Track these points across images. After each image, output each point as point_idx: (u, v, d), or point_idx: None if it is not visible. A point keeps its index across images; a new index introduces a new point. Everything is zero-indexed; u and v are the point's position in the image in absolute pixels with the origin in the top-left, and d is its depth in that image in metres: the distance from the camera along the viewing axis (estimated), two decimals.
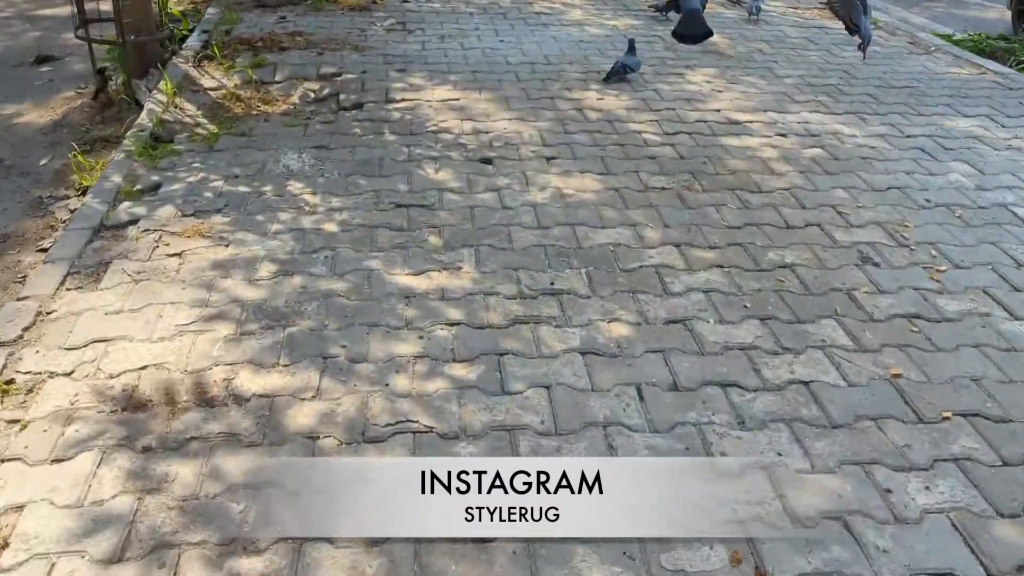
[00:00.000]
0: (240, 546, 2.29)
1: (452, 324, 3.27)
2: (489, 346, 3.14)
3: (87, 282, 3.54)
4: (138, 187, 4.33)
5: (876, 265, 3.68)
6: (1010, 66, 6.28)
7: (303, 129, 5.05)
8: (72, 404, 2.83)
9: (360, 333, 3.21)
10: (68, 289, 3.49)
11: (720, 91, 5.70)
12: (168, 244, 3.83)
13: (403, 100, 5.49)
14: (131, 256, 3.72)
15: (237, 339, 3.17)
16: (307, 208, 4.14)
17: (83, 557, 2.27)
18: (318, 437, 2.70)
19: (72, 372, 2.98)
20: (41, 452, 2.63)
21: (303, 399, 2.87)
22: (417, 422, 2.77)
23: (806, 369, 3.03)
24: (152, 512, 2.41)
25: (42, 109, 5.96)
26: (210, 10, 7.72)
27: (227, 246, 3.80)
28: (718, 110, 5.37)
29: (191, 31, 6.96)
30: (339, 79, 5.87)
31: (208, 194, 4.27)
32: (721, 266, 3.67)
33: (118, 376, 2.96)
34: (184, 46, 6.65)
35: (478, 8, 7.64)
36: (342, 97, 5.54)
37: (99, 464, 2.58)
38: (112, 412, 2.80)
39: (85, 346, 3.12)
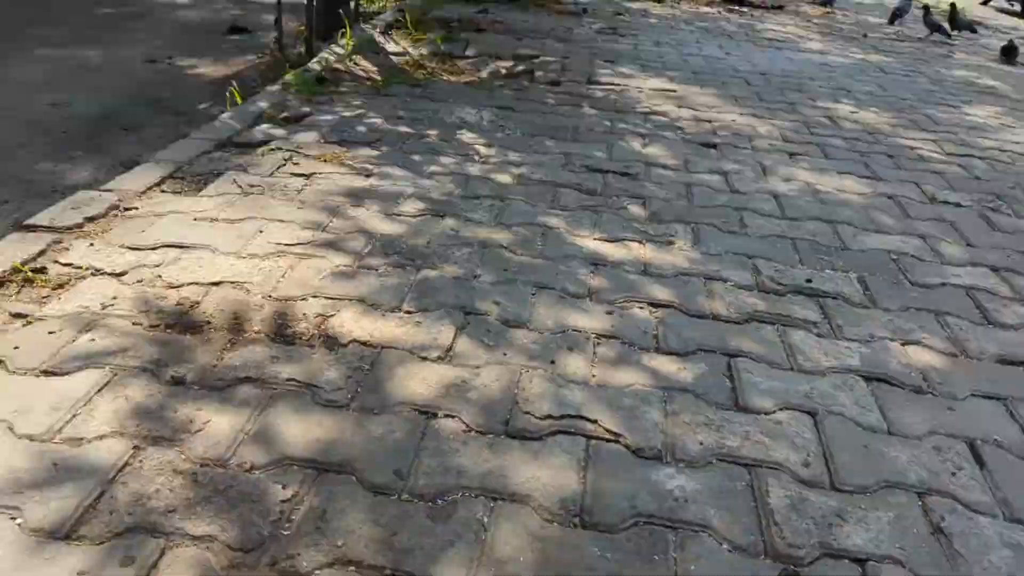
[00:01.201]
0: (267, 559, 1.28)
1: (656, 305, 2.18)
2: (712, 341, 2.02)
3: (188, 187, 2.74)
4: (284, 114, 3.57)
5: None
6: None
7: (488, 93, 4.19)
8: (103, 308, 1.96)
9: (523, 293, 2.19)
10: (163, 191, 2.70)
11: (1012, 126, 4.39)
12: (298, 164, 2.99)
13: (609, 84, 4.55)
14: (250, 169, 2.91)
15: (351, 272, 2.23)
16: (477, 157, 3.21)
17: (13, 519, 1.33)
18: (436, 414, 1.67)
19: (123, 273, 2.13)
20: (32, 358, 1.75)
21: (424, 358, 1.86)
22: (595, 422, 1.68)
23: None
24: (147, 473, 1.45)
25: (219, 65, 5.45)
26: None
27: (368, 176, 2.92)
28: (1017, 141, 4.07)
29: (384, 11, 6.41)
30: (536, 60, 5.02)
31: (361, 128, 3.45)
32: None
33: (179, 287, 2.08)
34: (376, 19, 6.08)
35: (699, 28, 6.69)
36: (538, 74, 4.67)
37: (101, 389, 1.67)
38: (152, 327, 1.90)
39: (153, 248, 2.27)
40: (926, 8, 7.40)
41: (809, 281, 2.38)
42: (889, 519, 1.49)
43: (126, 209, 2.53)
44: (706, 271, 2.40)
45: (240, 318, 1.97)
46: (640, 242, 2.57)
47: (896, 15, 7.67)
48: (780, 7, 8.22)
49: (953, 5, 7.33)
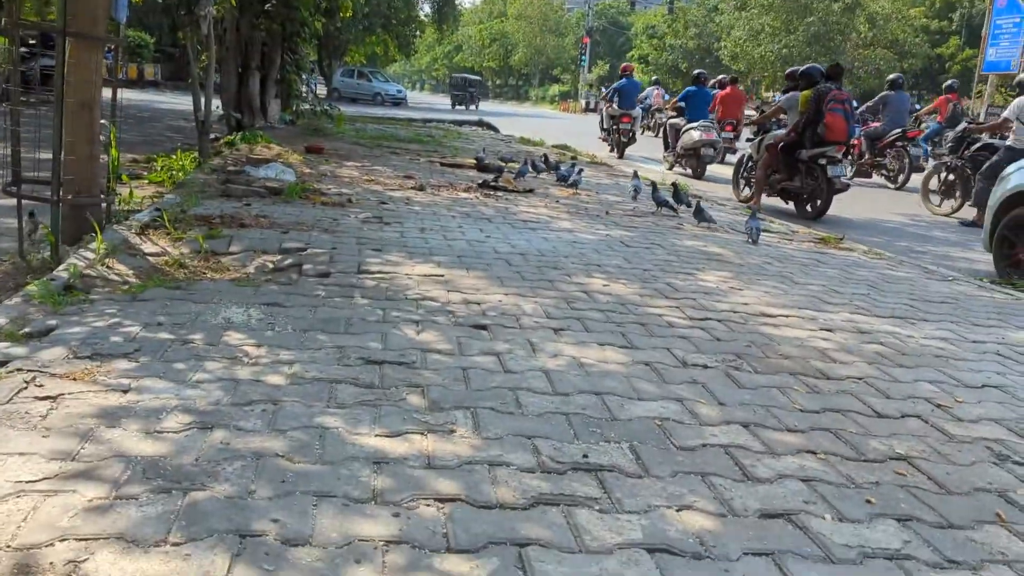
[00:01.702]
0: None
1: (444, 500, 2.15)
2: (502, 533, 2.02)
3: None
4: (25, 330, 3.27)
5: (1020, 464, 2.71)
6: None
7: (254, 289, 4.12)
8: None
9: (303, 505, 2.08)
10: None
11: (740, 289, 4.99)
12: (42, 386, 2.73)
13: (378, 272, 4.66)
14: None
15: (107, 505, 2.01)
16: (246, 359, 3.11)
17: None
18: None
19: None
20: None
21: None
22: None
23: None
24: None
25: None
26: (168, 196, 7.06)
27: (125, 392, 2.72)
28: (745, 303, 4.62)
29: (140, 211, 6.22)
30: (304, 252, 5.05)
31: (116, 339, 3.23)
32: (813, 451, 2.66)
33: None
34: (132, 218, 5.86)
35: (460, 213, 7.11)
36: (306, 267, 4.68)
37: None
38: None
39: None
40: (653, 185, 8.47)
41: (586, 456, 2.48)
42: None
43: None
44: (489, 457, 2.42)
45: None
46: (422, 433, 2.56)
47: (636, 192, 8.79)
48: (531, 190, 8.97)
49: (675, 184, 8.46)
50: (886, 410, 3.11)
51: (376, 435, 2.52)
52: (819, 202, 9.44)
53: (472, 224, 6.57)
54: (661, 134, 16.20)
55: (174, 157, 9.29)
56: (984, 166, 9.71)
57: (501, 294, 4.36)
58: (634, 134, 16.51)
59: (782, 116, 10.47)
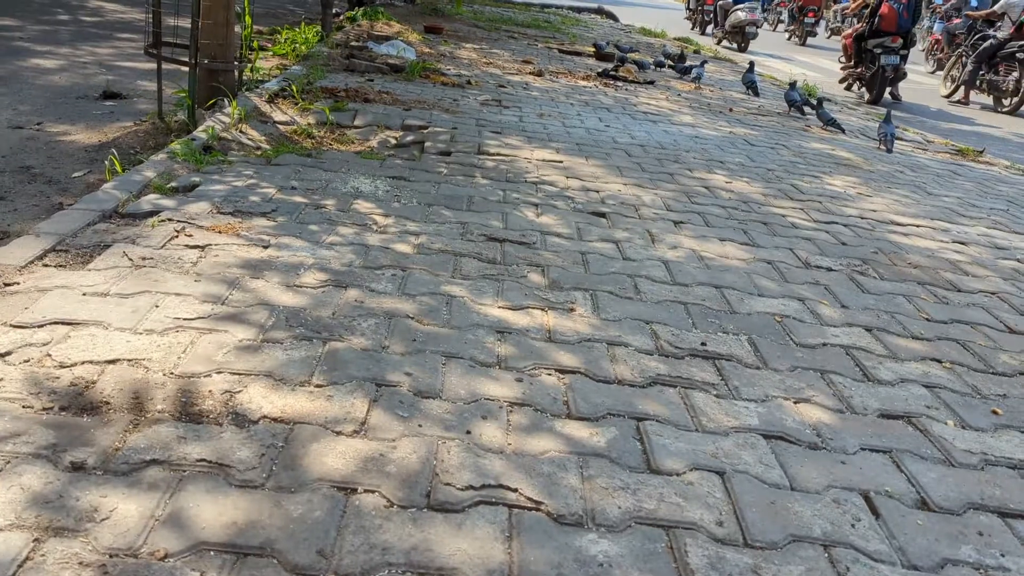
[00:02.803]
0: None
1: (564, 371, 2.23)
2: (620, 406, 2.09)
3: (73, 261, 2.61)
4: (172, 184, 3.47)
5: None
6: None
7: (380, 162, 4.23)
8: None
9: (433, 362, 2.19)
10: (45, 265, 2.56)
11: (869, 196, 4.80)
12: (191, 236, 2.91)
13: (498, 154, 4.68)
14: (139, 241, 2.81)
15: (256, 346, 2.17)
16: (375, 227, 3.22)
17: None
18: (355, 490, 1.64)
19: (8, 353, 2.00)
20: None
21: (339, 433, 1.83)
22: (516, 491, 1.69)
23: None
24: (51, 567, 1.36)
25: (93, 132, 5.25)
26: (294, 67, 7.19)
27: (266, 248, 2.88)
28: (874, 210, 4.44)
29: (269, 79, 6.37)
30: (426, 131, 5.10)
31: (255, 198, 3.40)
32: (938, 360, 2.61)
33: (72, 366, 1.97)
34: (261, 87, 6.03)
35: (579, 101, 7.00)
36: (427, 144, 4.75)
37: None
38: (45, 410, 1.79)
39: (40, 326, 2.15)
40: (792, 84, 8.00)
41: (704, 344, 2.50)
42: (800, 572, 1.56)
43: (6, 285, 2.39)
44: (608, 337, 2.48)
45: (141, 397, 1.88)
46: (543, 309, 2.63)
47: (751, 86, 8.48)
48: (651, 82, 8.71)
49: (820, 99, 7.75)
50: (1020, 326, 2.99)
51: (499, 307, 2.61)
52: (875, 89, 10.19)
53: (591, 112, 6.47)
54: (712, 14, 18.27)
55: (298, 30, 9.41)
56: (976, 51, 10.82)
57: (620, 184, 4.33)
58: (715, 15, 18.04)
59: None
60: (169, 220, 3.03)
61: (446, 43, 9.98)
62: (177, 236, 2.89)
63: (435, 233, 3.23)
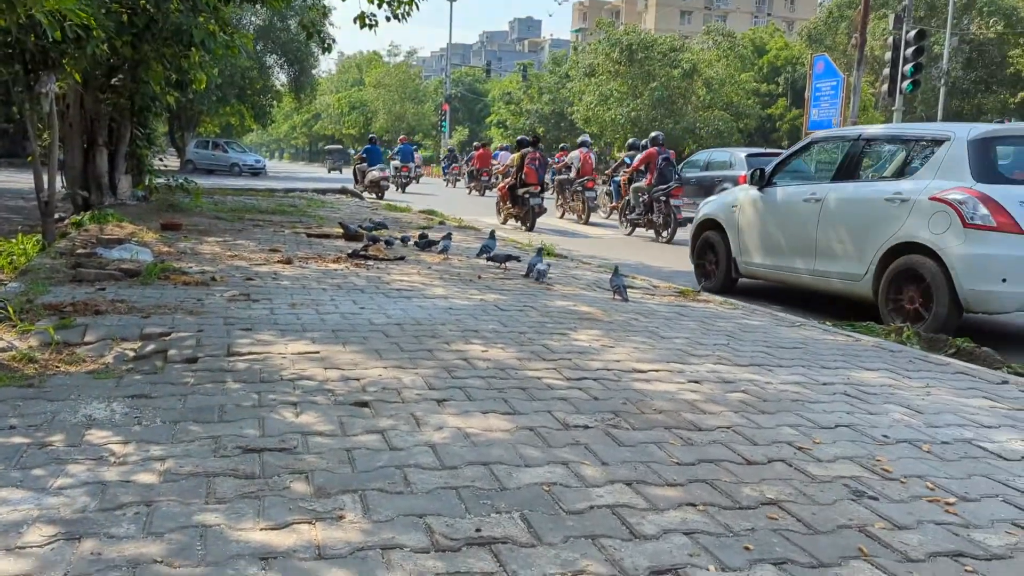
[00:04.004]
0: None
1: None
2: None
3: None
4: None
5: (875, 499, 2.93)
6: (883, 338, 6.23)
7: (116, 381, 3.92)
8: None
9: None
10: None
11: (612, 346, 5.17)
12: None
13: (249, 353, 4.53)
14: None
15: None
16: (113, 459, 2.94)
17: None
18: None
19: None
20: None
21: None
22: None
23: None
24: None
25: None
26: (11, 284, 6.61)
27: None
28: (617, 360, 4.79)
29: None
30: (168, 337, 4.84)
31: None
32: (693, 504, 2.78)
33: None
34: None
35: (331, 285, 7.03)
36: (171, 352, 4.50)
37: None
38: None
39: None
40: (538, 251, 8.60)
41: (479, 530, 2.49)
42: None
43: None
44: (381, 541, 2.39)
45: None
46: (310, 522, 2.50)
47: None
48: (402, 258, 9.00)
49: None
50: (754, 456, 3.29)
51: (261, 528, 2.44)
52: (529, 222, 15.44)
53: (344, 296, 6.51)
54: (365, 179, 24.19)
55: (14, 241, 8.75)
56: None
57: (380, 368, 4.33)
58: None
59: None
60: None
61: (186, 239, 9.73)
62: None
63: (184, 454, 3.00)
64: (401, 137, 31.39)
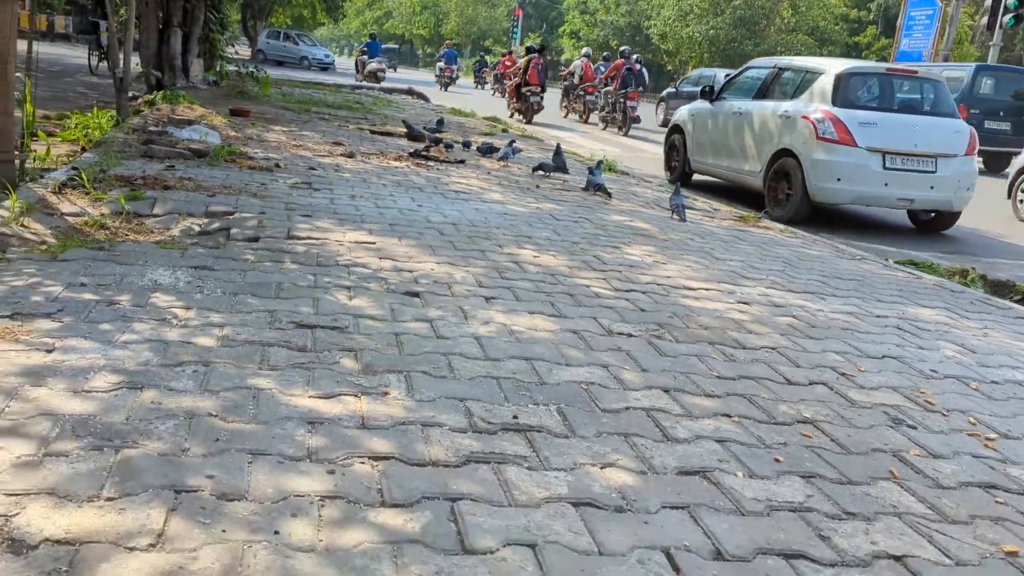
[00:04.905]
0: None
1: (377, 458, 2.22)
2: (435, 488, 2.10)
3: None
4: None
5: (913, 428, 2.93)
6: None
7: (181, 252, 4.07)
8: None
9: (238, 462, 2.11)
10: None
11: (664, 263, 5.16)
12: None
13: (308, 237, 4.64)
14: None
15: (36, 461, 2.01)
16: (175, 321, 3.09)
17: None
18: None
19: None
20: None
21: (132, 548, 1.72)
22: None
23: (891, 540, 2.13)
24: None
25: None
26: (86, 155, 6.82)
27: (49, 352, 2.68)
28: (668, 276, 4.78)
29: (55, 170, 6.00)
30: (232, 216, 4.98)
31: (37, 298, 3.17)
32: (728, 415, 2.82)
33: None
34: (47, 177, 5.66)
35: (391, 181, 7.10)
36: (234, 231, 4.63)
37: None
38: None
39: None
40: (590, 170, 8.50)
41: (516, 417, 2.57)
42: None
43: None
44: (422, 418, 2.49)
45: None
46: (356, 396, 2.61)
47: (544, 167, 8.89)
48: (462, 161, 8.99)
49: (598, 162, 8.53)
50: (795, 378, 3.30)
51: (310, 396, 2.56)
52: (528, 116, 18.53)
53: (403, 192, 6.57)
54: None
55: (90, 115, 8.96)
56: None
57: (433, 262, 4.41)
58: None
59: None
60: None
61: (253, 126, 9.85)
62: None
63: (241, 324, 3.13)
64: (448, 42, 34.87)
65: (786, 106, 8.72)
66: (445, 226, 5.43)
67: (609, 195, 7.82)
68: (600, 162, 8.70)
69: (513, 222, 5.89)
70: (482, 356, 3.08)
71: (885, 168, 8.05)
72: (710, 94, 10.33)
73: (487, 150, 9.86)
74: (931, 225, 8.96)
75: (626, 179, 9.67)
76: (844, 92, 8.34)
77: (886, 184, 8.08)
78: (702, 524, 2.09)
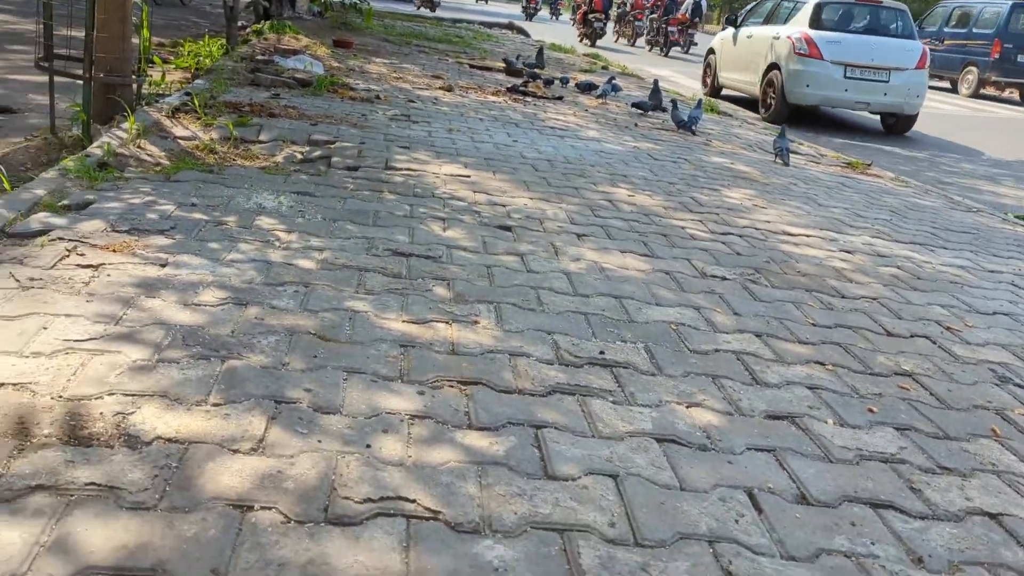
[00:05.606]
0: None
1: (466, 383, 2.27)
2: (520, 415, 2.14)
3: None
4: (64, 202, 3.37)
5: (1020, 387, 2.80)
6: None
7: (284, 178, 4.19)
8: None
9: (334, 378, 2.20)
10: None
11: (764, 207, 5.01)
12: (83, 255, 2.84)
13: (406, 168, 4.70)
14: (27, 261, 2.72)
15: (150, 366, 2.14)
16: (278, 243, 3.20)
17: None
18: (251, 507, 1.64)
19: None
20: None
21: (235, 451, 1.82)
22: (414, 501, 1.72)
23: (987, 498, 2.06)
24: None
25: None
26: (197, 81, 7.05)
27: (163, 266, 2.83)
28: (767, 221, 4.65)
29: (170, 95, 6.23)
30: (333, 146, 5.08)
31: (152, 216, 3.33)
32: (821, 363, 2.76)
33: None
34: (162, 101, 5.89)
35: (488, 116, 7.08)
36: (334, 159, 4.73)
37: None
38: None
39: None
40: (673, 103, 8.31)
41: (602, 353, 2.58)
42: (686, 568, 1.64)
43: None
44: (510, 348, 2.53)
45: (26, 422, 1.83)
46: (447, 323, 2.67)
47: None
48: (560, 98, 8.88)
49: (674, 101, 8.32)
50: (896, 329, 3.19)
51: (403, 321, 2.63)
52: (592, 39, 20.76)
53: (500, 127, 6.56)
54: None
55: (201, 43, 9.22)
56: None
57: (527, 198, 4.41)
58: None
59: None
60: (60, 239, 2.94)
61: (355, 58, 9.95)
62: (68, 256, 2.81)
63: (339, 248, 3.23)
64: None
65: (778, 29, 10.72)
66: (540, 162, 5.40)
67: (693, 132, 7.63)
68: (700, 100, 8.46)
69: (609, 160, 5.81)
70: (571, 291, 3.09)
71: (846, 77, 9.99)
72: (735, 21, 12.48)
73: (586, 87, 9.70)
74: (894, 128, 10.76)
75: (727, 120, 9.37)
76: (818, 17, 10.40)
77: (846, 90, 10.03)
78: (787, 467, 2.07)
